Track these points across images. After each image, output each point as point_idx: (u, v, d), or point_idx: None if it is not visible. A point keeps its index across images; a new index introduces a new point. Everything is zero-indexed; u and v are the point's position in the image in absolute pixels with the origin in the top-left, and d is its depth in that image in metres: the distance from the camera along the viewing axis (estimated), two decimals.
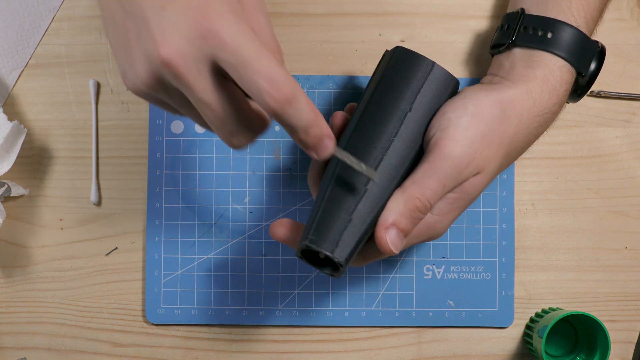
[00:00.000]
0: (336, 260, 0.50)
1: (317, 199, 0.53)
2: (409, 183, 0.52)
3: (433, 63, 0.55)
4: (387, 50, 0.58)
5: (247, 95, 0.46)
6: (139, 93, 0.45)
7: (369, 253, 0.54)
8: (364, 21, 0.67)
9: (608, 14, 0.66)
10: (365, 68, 0.67)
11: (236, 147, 0.46)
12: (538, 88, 0.55)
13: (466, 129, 0.52)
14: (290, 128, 0.44)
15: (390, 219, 0.51)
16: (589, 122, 0.68)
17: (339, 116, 0.56)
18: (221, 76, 0.44)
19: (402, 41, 0.67)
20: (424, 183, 0.51)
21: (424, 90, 0.55)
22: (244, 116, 0.45)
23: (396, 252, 0.51)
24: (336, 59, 0.67)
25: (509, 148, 0.55)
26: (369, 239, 0.53)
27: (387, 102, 0.54)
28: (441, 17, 0.68)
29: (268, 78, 0.42)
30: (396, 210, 0.51)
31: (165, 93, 0.45)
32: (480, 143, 0.53)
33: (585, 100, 0.68)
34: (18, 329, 0.66)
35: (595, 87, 0.67)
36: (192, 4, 0.42)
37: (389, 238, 0.51)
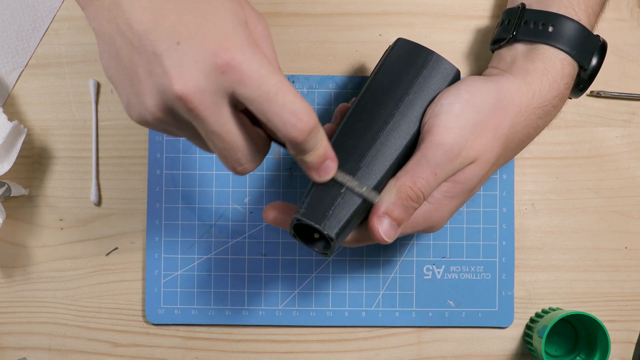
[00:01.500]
0: (326, 233, 0.49)
1: None
2: (402, 172, 0.52)
3: (433, 52, 0.56)
4: (389, 45, 0.58)
5: (253, 122, 0.46)
6: (145, 124, 0.45)
7: (364, 235, 0.54)
8: (364, 21, 0.67)
9: (608, 14, 0.66)
10: (365, 68, 0.67)
11: (240, 173, 0.47)
12: (538, 80, 0.55)
13: (457, 115, 0.52)
14: (301, 152, 0.45)
15: (382, 207, 0.51)
16: (589, 122, 0.68)
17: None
18: (234, 107, 0.44)
19: None
20: (415, 172, 0.51)
21: (423, 77, 0.55)
22: (252, 145, 0.45)
23: (389, 241, 0.51)
24: (336, 59, 0.67)
25: (506, 139, 0.55)
26: (363, 221, 0.53)
27: (386, 86, 0.55)
28: (441, 17, 0.68)
29: (292, 112, 0.42)
30: (388, 199, 0.51)
31: (174, 124, 0.44)
32: (472, 130, 0.52)
33: (585, 100, 0.68)
34: (18, 329, 0.66)
35: (595, 87, 0.67)
36: (209, 39, 0.41)
37: (382, 228, 0.51)
